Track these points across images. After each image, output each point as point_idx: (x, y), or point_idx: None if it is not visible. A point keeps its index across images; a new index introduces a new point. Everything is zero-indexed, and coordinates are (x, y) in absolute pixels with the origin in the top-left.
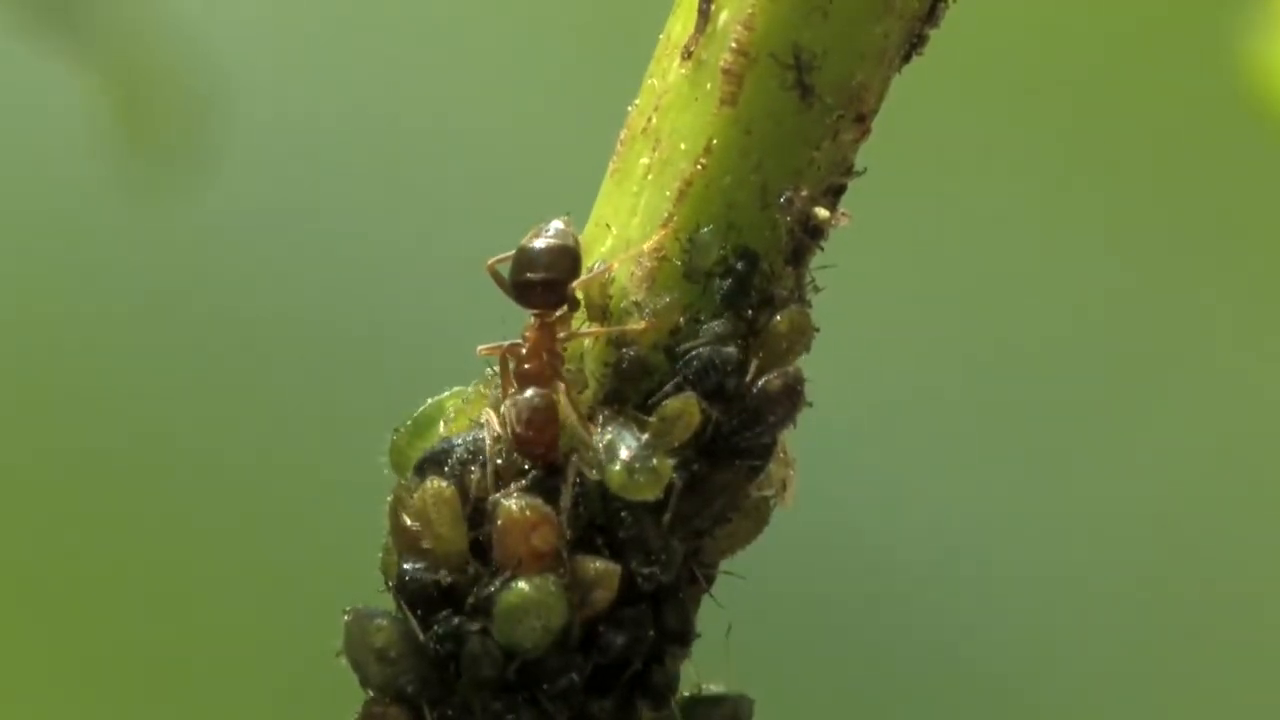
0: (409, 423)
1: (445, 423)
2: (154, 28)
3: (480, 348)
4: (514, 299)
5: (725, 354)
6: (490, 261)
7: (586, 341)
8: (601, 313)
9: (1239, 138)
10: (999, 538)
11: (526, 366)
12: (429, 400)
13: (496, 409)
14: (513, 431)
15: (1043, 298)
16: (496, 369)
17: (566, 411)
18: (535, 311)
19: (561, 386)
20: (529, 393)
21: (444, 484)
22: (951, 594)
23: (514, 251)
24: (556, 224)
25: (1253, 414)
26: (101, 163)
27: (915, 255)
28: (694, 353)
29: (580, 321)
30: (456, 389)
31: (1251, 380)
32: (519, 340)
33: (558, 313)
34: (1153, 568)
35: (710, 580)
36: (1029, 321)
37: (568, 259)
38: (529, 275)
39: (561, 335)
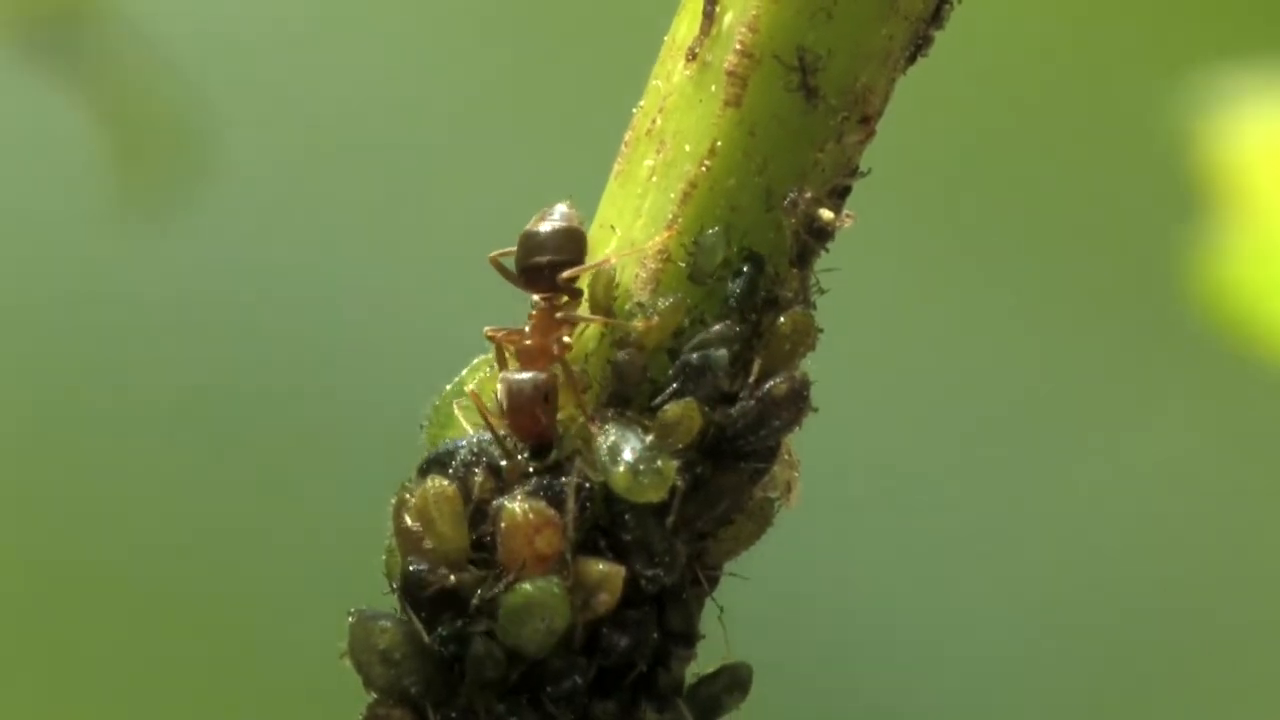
0: (432, 411)
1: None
2: (145, 56)
3: (487, 329)
4: (521, 284)
5: (715, 358)
6: (492, 255)
7: (591, 344)
8: (606, 314)
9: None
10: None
11: (528, 343)
12: (448, 386)
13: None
14: (502, 410)
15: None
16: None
17: (567, 392)
18: (542, 296)
19: (561, 367)
20: (522, 374)
21: (445, 482)
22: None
23: (518, 239)
24: (560, 208)
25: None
26: (93, 188)
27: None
28: (684, 358)
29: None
30: (477, 360)
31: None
32: (523, 327)
33: (563, 300)
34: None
35: (714, 582)
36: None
37: (575, 241)
38: (537, 259)
39: (563, 316)
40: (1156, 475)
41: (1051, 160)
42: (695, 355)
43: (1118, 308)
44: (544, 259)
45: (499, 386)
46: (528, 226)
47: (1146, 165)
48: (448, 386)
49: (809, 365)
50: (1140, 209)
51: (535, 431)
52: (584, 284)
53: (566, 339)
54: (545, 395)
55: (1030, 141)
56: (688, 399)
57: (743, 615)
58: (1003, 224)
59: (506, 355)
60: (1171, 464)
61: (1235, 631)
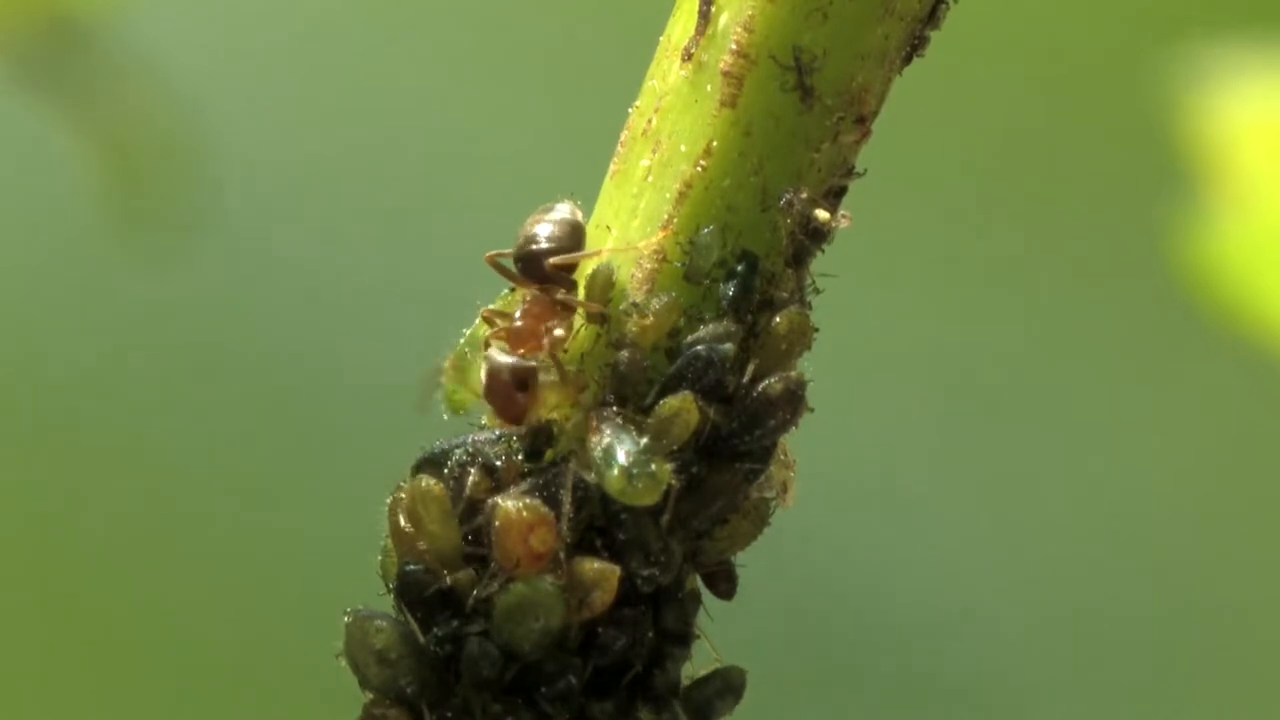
0: (449, 364)
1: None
2: (148, 91)
3: (485, 308)
4: (519, 274)
5: (722, 350)
6: (490, 254)
7: (587, 344)
8: (601, 317)
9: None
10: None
11: (519, 324)
12: (462, 336)
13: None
14: (485, 387)
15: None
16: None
17: (562, 391)
18: (539, 286)
19: (552, 362)
20: (501, 357)
21: (431, 481)
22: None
23: (517, 238)
24: (562, 205)
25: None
26: (95, 224)
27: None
28: (691, 350)
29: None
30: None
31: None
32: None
33: (559, 291)
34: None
35: (731, 579)
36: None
37: (573, 233)
38: (534, 248)
39: (559, 299)
40: (1149, 462)
41: (1046, 146)
42: (702, 347)
43: (1106, 288)
44: (541, 248)
45: (482, 365)
46: (529, 220)
47: (1134, 142)
48: (461, 339)
49: (805, 365)
50: (1128, 186)
51: (512, 415)
52: (581, 279)
53: (559, 331)
54: (522, 381)
55: (1026, 132)
56: (685, 393)
57: (734, 614)
58: (994, 209)
59: (495, 335)
60: (1164, 450)
61: (1234, 620)
